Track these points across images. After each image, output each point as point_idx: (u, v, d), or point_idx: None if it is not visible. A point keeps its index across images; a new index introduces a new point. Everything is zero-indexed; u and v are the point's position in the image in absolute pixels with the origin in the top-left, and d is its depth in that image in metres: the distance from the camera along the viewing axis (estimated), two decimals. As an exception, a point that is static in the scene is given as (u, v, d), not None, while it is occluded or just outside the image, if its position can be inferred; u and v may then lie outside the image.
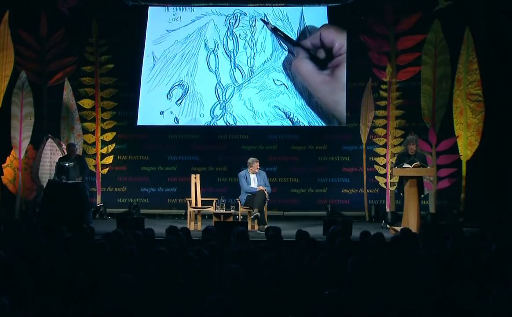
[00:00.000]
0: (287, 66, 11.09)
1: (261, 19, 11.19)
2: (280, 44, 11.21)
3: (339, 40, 10.92)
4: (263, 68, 11.20)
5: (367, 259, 5.07)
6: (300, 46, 11.04)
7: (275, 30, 11.13)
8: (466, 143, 10.46)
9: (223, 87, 11.21)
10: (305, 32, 11.11)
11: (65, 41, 11.03)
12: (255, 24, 11.27)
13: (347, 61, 10.94)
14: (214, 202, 9.71)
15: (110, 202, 11.31)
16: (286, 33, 11.12)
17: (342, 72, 10.91)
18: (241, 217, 9.93)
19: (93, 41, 11.25)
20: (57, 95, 11.03)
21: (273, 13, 11.26)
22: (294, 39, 11.11)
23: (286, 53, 11.13)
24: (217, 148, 11.49)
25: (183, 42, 11.29)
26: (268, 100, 11.17)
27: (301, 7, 11.22)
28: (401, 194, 9.25)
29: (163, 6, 11.31)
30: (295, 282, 4.51)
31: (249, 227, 9.21)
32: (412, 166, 9.01)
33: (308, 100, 11.04)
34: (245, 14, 11.30)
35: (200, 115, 11.22)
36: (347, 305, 3.80)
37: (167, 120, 11.24)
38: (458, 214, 10.37)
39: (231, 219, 9.46)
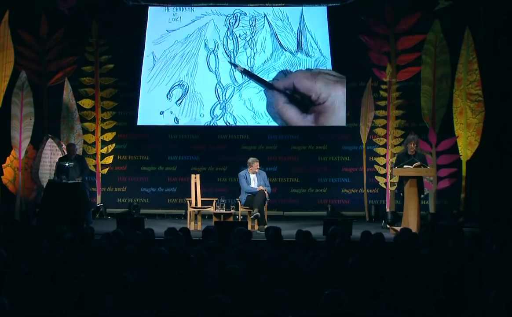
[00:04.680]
0: (271, 112, 11.06)
1: (229, 62, 11.12)
2: (280, 44, 11.21)
3: (315, 90, 10.87)
4: (263, 68, 11.19)
5: (367, 259, 5.07)
6: (273, 89, 11.03)
7: (246, 72, 11.10)
8: (466, 143, 10.45)
9: (223, 87, 11.22)
10: (280, 73, 11.08)
11: (65, 41, 11.03)
12: (255, 24, 11.27)
13: (347, 61, 10.95)
14: (214, 202, 9.71)
15: (110, 202, 11.31)
16: (258, 75, 11.09)
17: (327, 120, 10.91)
18: (241, 217, 9.94)
19: (93, 41, 11.25)
20: (57, 95, 11.03)
21: (273, 13, 11.26)
22: (268, 80, 11.08)
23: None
24: (217, 148, 11.48)
25: (183, 42, 11.29)
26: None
27: (301, 7, 11.22)
28: (401, 194, 9.24)
29: (163, 6, 11.31)
30: (295, 282, 4.50)
31: (249, 227, 9.20)
32: (413, 166, 9.01)
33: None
34: (245, 14, 11.30)
35: (200, 115, 11.23)
36: (347, 305, 3.80)
37: (167, 120, 11.24)
38: (458, 214, 10.36)
39: (231, 219, 9.45)
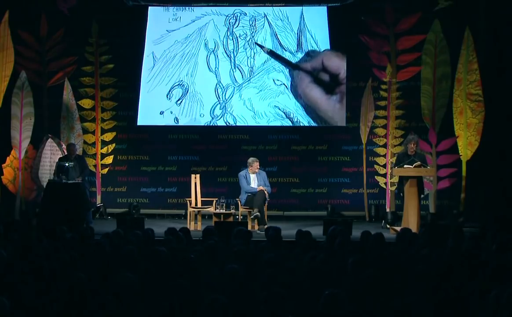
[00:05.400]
0: (293, 91, 11.08)
1: (256, 43, 11.15)
2: (280, 44, 11.21)
3: (344, 67, 10.93)
4: (263, 68, 11.20)
5: (367, 259, 5.07)
6: (299, 69, 11.03)
7: (271, 54, 11.10)
8: (466, 143, 10.45)
9: (223, 87, 11.22)
10: (305, 56, 11.08)
11: (65, 41, 11.03)
12: (255, 24, 11.27)
13: (347, 61, 10.96)
14: (214, 202, 9.71)
15: (110, 202, 11.31)
16: (283, 56, 11.11)
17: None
18: (241, 217, 9.94)
19: (93, 41, 11.25)
20: (57, 95, 11.03)
21: (273, 13, 11.26)
22: (293, 61, 11.07)
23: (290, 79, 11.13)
24: (217, 148, 11.48)
25: (183, 42, 11.29)
26: (268, 100, 11.17)
27: (301, 7, 11.22)
28: (401, 194, 9.25)
29: (163, 6, 11.31)
30: (295, 282, 4.50)
31: (249, 227, 9.20)
32: (413, 166, 9.01)
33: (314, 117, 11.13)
34: (245, 14, 11.30)
35: (200, 115, 11.23)
36: (347, 305, 3.80)
37: (167, 120, 11.24)
38: (458, 214, 10.36)
39: (231, 219, 9.45)
